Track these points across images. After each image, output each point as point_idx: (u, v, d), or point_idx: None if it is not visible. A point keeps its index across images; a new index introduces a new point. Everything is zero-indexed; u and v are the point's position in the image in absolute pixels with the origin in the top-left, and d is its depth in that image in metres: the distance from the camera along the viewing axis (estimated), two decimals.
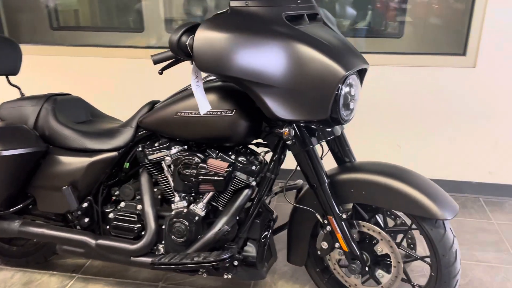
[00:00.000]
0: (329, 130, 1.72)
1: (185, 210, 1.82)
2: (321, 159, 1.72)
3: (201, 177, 1.67)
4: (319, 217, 1.77)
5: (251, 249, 1.82)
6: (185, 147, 1.83)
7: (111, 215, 1.97)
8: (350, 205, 1.75)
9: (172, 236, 1.82)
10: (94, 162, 1.88)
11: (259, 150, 1.89)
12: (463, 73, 2.71)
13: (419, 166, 2.93)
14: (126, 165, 1.97)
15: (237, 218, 1.78)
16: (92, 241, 1.90)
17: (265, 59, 1.48)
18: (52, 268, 2.26)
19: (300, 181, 2.06)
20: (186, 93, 1.76)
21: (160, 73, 1.59)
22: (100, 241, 1.89)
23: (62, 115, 1.99)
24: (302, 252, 1.88)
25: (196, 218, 1.81)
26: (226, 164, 1.68)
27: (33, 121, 1.96)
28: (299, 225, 1.87)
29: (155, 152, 1.83)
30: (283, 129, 1.59)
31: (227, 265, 1.67)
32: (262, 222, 1.82)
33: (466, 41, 2.69)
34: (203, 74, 1.60)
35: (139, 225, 1.91)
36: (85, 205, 1.94)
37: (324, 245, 1.78)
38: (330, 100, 1.51)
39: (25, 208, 2.03)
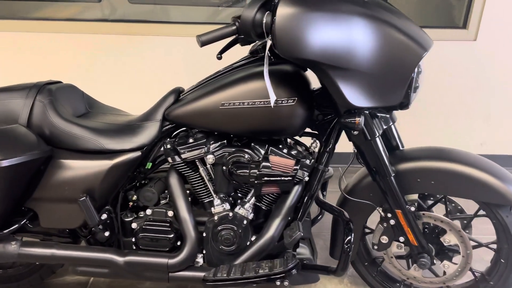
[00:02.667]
0: (388, 116, 1.56)
1: (230, 214, 1.58)
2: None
3: (266, 178, 1.43)
4: (380, 211, 1.64)
5: (304, 251, 1.64)
6: (225, 141, 1.57)
7: (134, 225, 1.66)
8: (415, 196, 1.62)
9: (220, 245, 1.57)
10: (115, 165, 1.55)
11: (305, 140, 1.68)
12: (464, 47, 2.69)
13: (415, 139, 2.93)
14: (149, 165, 1.67)
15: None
16: (119, 259, 1.59)
17: (347, 39, 1.28)
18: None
19: (331, 170, 1.90)
20: (228, 80, 1.49)
21: (219, 57, 1.31)
22: (130, 258, 1.59)
23: (63, 109, 1.61)
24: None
25: (245, 222, 1.58)
26: (293, 162, 1.46)
27: (25, 119, 1.56)
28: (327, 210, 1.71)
29: (191, 150, 1.55)
30: (356, 118, 1.40)
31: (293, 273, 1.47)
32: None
33: (467, 14, 2.66)
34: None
35: (173, 235, 1.63)
36: (104, 216, 1.61)
37: (384, 239, 1.65)
38: (406, 83, 1.36)
39: (20, 227, 1.64)
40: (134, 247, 1.67)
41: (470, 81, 2.77)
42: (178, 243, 1.65)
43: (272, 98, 1.30)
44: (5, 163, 1.39)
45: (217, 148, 1.55)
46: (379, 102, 1.38)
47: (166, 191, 1.73)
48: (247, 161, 1.51)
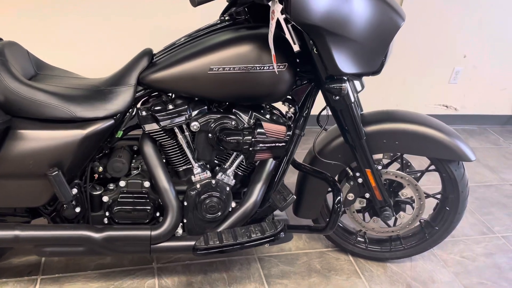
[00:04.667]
0: (358, 82, 1.66)
1: (213, 181, 1.55)
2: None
3: (261, 145, 1.43)
4: (349, 170, 1.76)
5: (281, 212, 1.71)
6: (205, 107, 1.51)
7: (105, 199, 1.54)
8: (380, 156, 1.77)
9: (204, 213, 1.55)
10: (88, 135, 1.40)
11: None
12: None
13: (380, 101, 3.16)
14: (119, 133, 1.54)
15: None
16: (96, 235, 1.47)
17: (347, 6, 1.32)
18: None
19: None
20: (214, 43, 1.43)
21: (223, 19, 1.23)
22: (108, 233, 1.48)
23: (17, 72, 1.38)
24: (317, 205, 1.85)
25: (227, 189, 1.58)
26: (285, 128, 1.47)
27: None
28: (316, 179, 1.81)
29: (172, 117, 1.47)
30: (342, 84, 1.46)
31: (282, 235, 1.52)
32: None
33: None
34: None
35: (151, 206, 1.55)
36: (74, 191, 1.47)
37: (350, 196, 1.79)
38: (385, 51, 1.46)
39: None
40: (107, 222, 1.56)
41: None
42: (157, 214, 1.58)
43: (275, 65, 1.29)
44: None
45: (199, 115, 1.50)
46: (362, 68, 1.45)
47: (134, 160, 1.63)
48: (234, 127, 1.48)
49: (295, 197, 1.50)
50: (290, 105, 1.64)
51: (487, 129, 3.63)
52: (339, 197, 1.53)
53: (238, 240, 1.46)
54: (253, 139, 1.42)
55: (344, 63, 1.40)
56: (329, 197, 1.79)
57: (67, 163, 1.40)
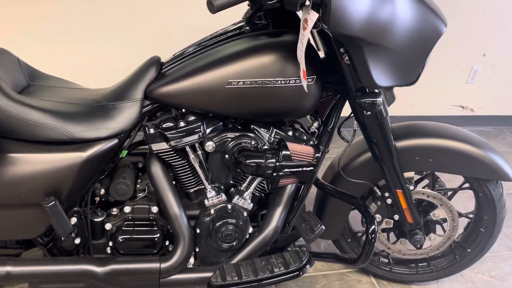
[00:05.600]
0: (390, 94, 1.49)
1: (229, 206, 1.39)
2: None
3: (286, 169, 1.25)
4: (376, 189, 1.59)
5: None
6: (221, 124, 1.34)
7: (108, 226, 1.37)
8: (411, 174, 1.61)
9: (219, 242, 1.39)
10: (90, 158, 1.22)
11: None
12: None
13: (395, 102, 2.98)
14: (124, 153, 1.36)
15: None
16: (98, 269, 1.30)
17: (386, 13, 1.14)
18: None
19: None
20: (232, 53, 1.25)
21: (248, 29, 1.06)
22: (113, 266, 1.31)
23: (6, 86, 1.20)
24: (339, 225, 1.69)
25: (245, 214, 1.41)
26: (312, 149, 1.30)
27: None
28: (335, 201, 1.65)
29: (184, 135, 1.29)
30: (377, 98, 1.28)
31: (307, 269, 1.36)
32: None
33: None
34: None
35: (159, 234, 1.39)
36: (74, 221, 1.30)
37: (378, 217, 1.63)
38: (425, 60, 1.29)
39: None
40: (110, 251, 1.40)
41: None
42: (166, 243, 1.42)
43: (305, 82, 1.12)
44: None
45: (214, 133, 1.33)
46: (399, 80, 1.28)
47: (139, 180, 1.46)
48: (254, 148, 1.31)
49: (324, 228, 1.33)
50: (313, 119, 1.47)
51: (503, 131, 3.47)
52: (373, 227, 1.36)
53: (259, 275, 1.29)
54: (277, 163, 1.25)
55: (381, 75, 1.23)
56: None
57: (66, 190, 1.23)
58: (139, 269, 1.33)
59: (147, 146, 1.46)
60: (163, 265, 1.35)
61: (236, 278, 1.29)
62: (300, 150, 1.28)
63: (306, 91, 1.19)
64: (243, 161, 1.27)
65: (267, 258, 1.36)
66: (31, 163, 1.19)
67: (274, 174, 1.26)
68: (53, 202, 1.19)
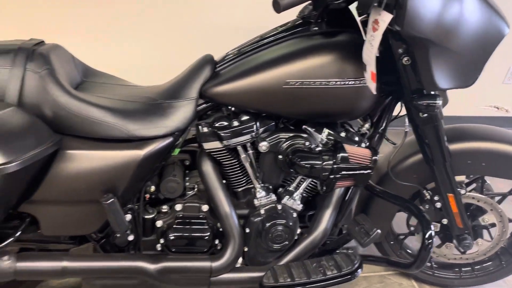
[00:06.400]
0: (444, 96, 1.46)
1: (279, 206, 1.38)
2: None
3: (344, 172, 1.24)
4: (425, 193, 1.57)
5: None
6: (273, 124, 1.33)
7: (159, 223, 1.38)
8: (462, 177, 1.57)
9: (269, 242, 1.38)
10: (147, 156, 1.22)
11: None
12: None
13: None
14: (176, 151, 1.37)
15: None
16: (150, 267, 1.31)
17: (454, 13, 1.11)
18: None
19: None
20: (290, 52, 1.23)
21: (316, 29, 1.04)
22: (165, 264, 1.32)
23: (65, 83, 1.21)
24: (384, 228, 1.67)
25: (294, 215, 1.40)
26: (369, 152, 1.28)
27: (15, 96, 1.14)
28: (381, 203, 1.62)
29: (237, 135, 1.28)
30: (437, 101, 1.25)
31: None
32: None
33: None
34: None
35: (209, 233, 1.38)
36: (128, 217, 1.30)
37: None
38: (486, 62, 1.25)
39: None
40: (159, 249, 1.40)
41: None
42: (216, 242, 1.41)
43: (373, 85, 1.10)
44: (14, 167, 0.99)
45: (267, 133, 1.32)
46: (458, 83, 1.25)
47: (187, 178, 1.46)
48: (308, 149, 1.30)
49: (379, 232, 1.31)
50: (364, 120, 1.44)
51: None
52: (430, 232, 1.34)
53: (312, 277, 1.28)
54: (334, 166, 1.24)
55: (442, 78, 1.20)
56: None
57: (122, 188, 1.23)
58: (190, 267, 1.33)
59: (193, 144, 1.48)
60: (214, 264, 1.34)
61: (289, 279, 1.28)
62: (357, 153, 1.26)
63: (375, 92, 1.17)
64: (298, 162, 1.26)
65: (318, 260, 1.35)
66: (90, 160, 1.19)
67: (331, 176, 1.24)
68: (112, 199, 1.19)
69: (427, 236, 1.33)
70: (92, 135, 1.20)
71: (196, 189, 1.43)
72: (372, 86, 1.14)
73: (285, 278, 1.29)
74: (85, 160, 1.19)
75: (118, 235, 1.29)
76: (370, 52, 1.06)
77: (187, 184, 1.44)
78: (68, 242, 1.36)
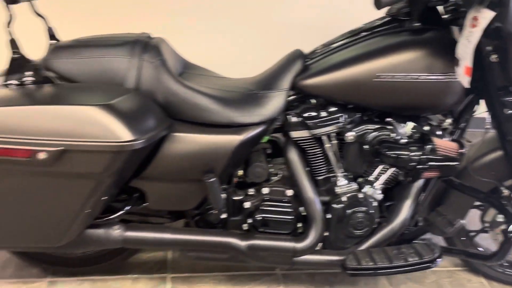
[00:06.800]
0: None
1: (360, 194, 1.45)
2: None
3: (431, 163, 1.30)
4: (504, 189, 1.59)
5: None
6: (360, 116, 1.41)
7: (247, 205, 1.49)
8: None
9: (349, 228, 1.46)
10: (244, 141, 1.35)
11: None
12: None
13: None
14: (265, 139, 1.47)
15: None
16: (241, 243, 1.43)
17: None
18: (125, 270, 1.70)
19: None
20: (380, 47, 1.31)
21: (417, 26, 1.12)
22: (253, 242, 1.43)
23: (175, 73, 1.35)
24: None
25: (374, 204, 1.47)
26: (456, 145, 1.34)
27: (133, 83, 1.29)
28: (458, 197, 1.65)
29: (325, 125, 1.38)
30: None
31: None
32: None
33: None
34: None
35: (293, 216, 1.48)
36: (223, 196, 1.43)
37: (500, 218, 1.62)
38: None
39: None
40: (246, 228, 1.51)
41: None
42: (299, 225, 1.51)
43: (466, 79, 1.15)
44: (139, 144, 1.14)
45: (352, 124, 1.40)
46: None
47: (271, 165, 1.56)
48: (393, 140, 1.37)
49: (464, 222, 1.36)
50: (446, 115, 1.49)
51: None
52: None
53: (394, 262, 1.35)
54: (422, 156, 1.30)
55: None
56: None
57: (220, 169, 1.36)
58: (276, 246, 1.44)
59: (275, 134, 1.58)
60: (298, 245, 1.44)
61: (371, 263, 1.36)
62: (445, 145, 1.32)
63: (468, 86, 1.22)
64: (385, 152, 1.33)
65: (398, 248, 1.42)
66: (194, 142, 1.32)
67: (418, 166, 1.30)
68: (214, 178, 1.32)
69: (510, 228, 1.37)
70: (197, 120, 1.33)
71: (280, 175, 1.53)
72: (465, 80, 1.19)
73: (367, 262, 1.36)
74: (190, 142, 1.32)
75: (213, 212, 1.42)
76: (466, 47, 1.12)
77: (272, 170, 1.54)
78: (166, 217, 1.50)
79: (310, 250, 1.46)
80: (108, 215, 1.37)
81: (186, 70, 1.54)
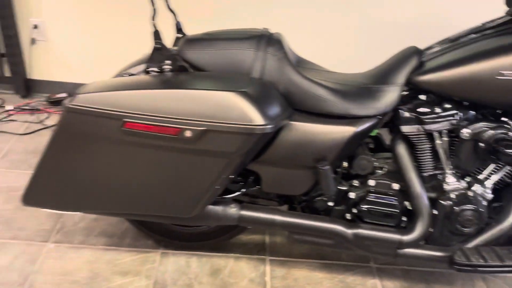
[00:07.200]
0: None
1: (470, 193, 1.45)
2: None
3: None
4: None
5: None
6: (475, 113, 1.41)
7: (352, 195, 1.54)
8: None
9: (457, 225, 1.46)
10: (358, 133, 1.40)
11: None
12: None
13: None
14: (374, 132, 1.52)
15: None
16: (348, 231, 1.49)
17: None
18: (228, 249, 1.83)
19: None
20: (505, 43, 1.30)
21: None
22: (359, 231, 1.49)
23: (295, 65, 1.44)
24: None
25: (484, 202, 1.46)
26: None
27: (258, 73, 1.39)
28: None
29: (439, 121, 1.39)
30: None
31: None
32: None
33: None
34: None
35: (399, 210, 1.52)
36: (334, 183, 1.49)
37: None
38: None
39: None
40: (349, 218, 1.57)
41: None
42: (403, 219, 1.54)
43: None
44: (269, 129, 1.24)
45: (467, 121, 1.40)
46: None
47: (375, 159, 1.60)
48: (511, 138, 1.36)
49: None
50: None
51: None
52: None
53: (505, 262, 1.34)
54: None
55: None
56: None
57: (332, 158, 1.42)
58: (381, 237, 1.48)
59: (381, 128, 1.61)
60: (403, 238, 1.47)
61: (481, 260, 1.36)
62: None
63: None
64: (504, 150, 1.32)
65: (509, 248, 1.40)
66: (310, 132, 1.40)
67: None
68: (328, 166, 1.39)
69: None
70: (314, 110, 1.41)
71: (385, 169, 1.57)
72: None
73: (477, 259, 1.37)
74: (306, 131, 1.40)
75: (320, 198, 1.49)
76: None
77: (376, 164, 1.58)
78: (274, 200, 1.60)
79: (416, 243, 1.48)
80: (226, 194, 1.49)
81: (299, 64, 1.62)
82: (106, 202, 1.40)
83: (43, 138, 2.39)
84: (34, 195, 1.41)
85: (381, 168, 1.58)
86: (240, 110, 1.22)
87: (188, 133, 1.23)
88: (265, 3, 2.53)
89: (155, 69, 1.40)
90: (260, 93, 1.28)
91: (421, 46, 1.54)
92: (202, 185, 1.33)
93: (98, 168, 1.33)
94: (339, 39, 2.61)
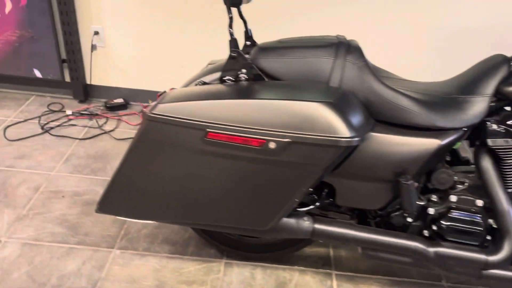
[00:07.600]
0: None
1: None
2: None
3: None
4: None
5: None
6: None
7: (432, 211, 1.46)
8: None
9: None
10: (443, 145, 1.33)
11: None
12: None
13: None
14: (458, 144, 1.43)
15: None
16: (429, 249, 1.41)
17: None
18: (293, 261, 1.77)
19: None
20: None
21: None
22: (441, 249, 1.41)
23: (376, 74, 1.38)
24: None
25: None
26: None
27: (338, 82, 1.34)
28: None
29: None
30: None
31: None
32: None
33: None
34: None
35: (484, 228, 1.42)
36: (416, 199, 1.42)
37: None
38: None
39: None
40: (427, 235, 1.49)
41: None
42: (488, 238, 1.45)
43: None
44: (356, 142, 1.19)
45: None
46: None
47: (454, 172, 1.51)
48: None
49: None
50: None
51: None
52: None
53: None
54: None
55: None
56: None
57: (413, 172, 1.35)
58: (465, 256, 1.39)
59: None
60: (489, 258, 1.38)
61: None
62: None
63: None
64: None
65: None
66: (392, 143, 1.33)
67: None
68: (411, 181, 1.32)
69: None
70: (396, 121, 1.34)
71: (467, 184, 1.48)
72: None
73: None
74: (388, 143, 1.33)
75: (398, 214, 1.42)
76: None
77: (457, 178, 1.49)
78: (346, 213, 1.54)
79: (502, 264, 1.38)
80: (299, 207, 1.45)
81: (376, 72, 1.56)
82: (181, 212, 1.38)
83: (103, 143, 2.43)
84: (109, 203, 1.41)
85: (462, 183, 1.49)
86: (326, 121, 1.17)
87: (272, 145, 1.19)
88: (328, 8, 2.48)
89: (231, 77, 1.38)
90: (345, 103, 1.23)
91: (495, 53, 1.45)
92: (282, 197, 1.29)
93: (176, 178, 1.32)
94: (412, 46, 2.51)
